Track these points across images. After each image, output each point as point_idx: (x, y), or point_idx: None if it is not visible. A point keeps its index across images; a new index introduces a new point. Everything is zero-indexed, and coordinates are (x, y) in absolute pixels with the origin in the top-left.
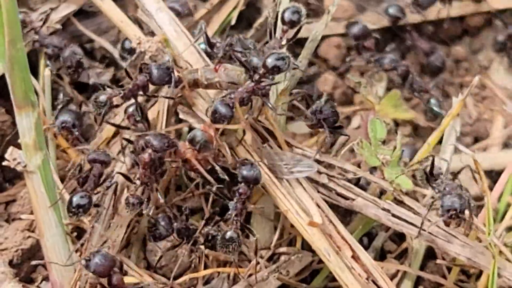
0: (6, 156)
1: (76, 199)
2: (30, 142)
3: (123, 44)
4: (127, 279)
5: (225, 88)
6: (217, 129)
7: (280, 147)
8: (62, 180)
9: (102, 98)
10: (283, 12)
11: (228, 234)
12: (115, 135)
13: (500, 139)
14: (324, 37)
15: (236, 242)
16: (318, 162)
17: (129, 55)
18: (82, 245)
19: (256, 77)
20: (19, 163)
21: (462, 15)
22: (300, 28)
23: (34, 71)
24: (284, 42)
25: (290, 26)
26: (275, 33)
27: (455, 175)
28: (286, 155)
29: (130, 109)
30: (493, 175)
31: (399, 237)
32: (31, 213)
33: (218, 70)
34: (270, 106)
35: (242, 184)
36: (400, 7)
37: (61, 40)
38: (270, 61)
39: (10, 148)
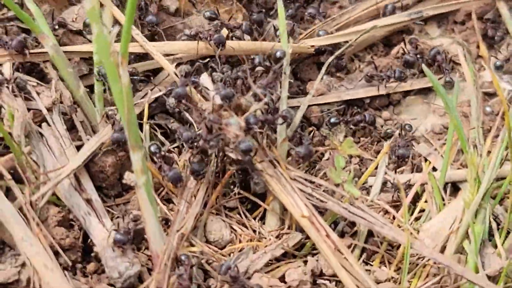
0: (125, 177)
1: None
2: (138, 168)
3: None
4: (193, 249)
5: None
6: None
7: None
8: (156, 190)
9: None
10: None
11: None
12: None
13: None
14: (308, 106)
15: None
16: (307, 180)
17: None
18: (168, 227)
19: (271, 114)
20: (132, 181)
21: (388, 92)
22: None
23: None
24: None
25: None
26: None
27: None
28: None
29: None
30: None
31: (353, 224)
32: (139, 209)
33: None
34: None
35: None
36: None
37: None
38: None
39: (127, 173)
